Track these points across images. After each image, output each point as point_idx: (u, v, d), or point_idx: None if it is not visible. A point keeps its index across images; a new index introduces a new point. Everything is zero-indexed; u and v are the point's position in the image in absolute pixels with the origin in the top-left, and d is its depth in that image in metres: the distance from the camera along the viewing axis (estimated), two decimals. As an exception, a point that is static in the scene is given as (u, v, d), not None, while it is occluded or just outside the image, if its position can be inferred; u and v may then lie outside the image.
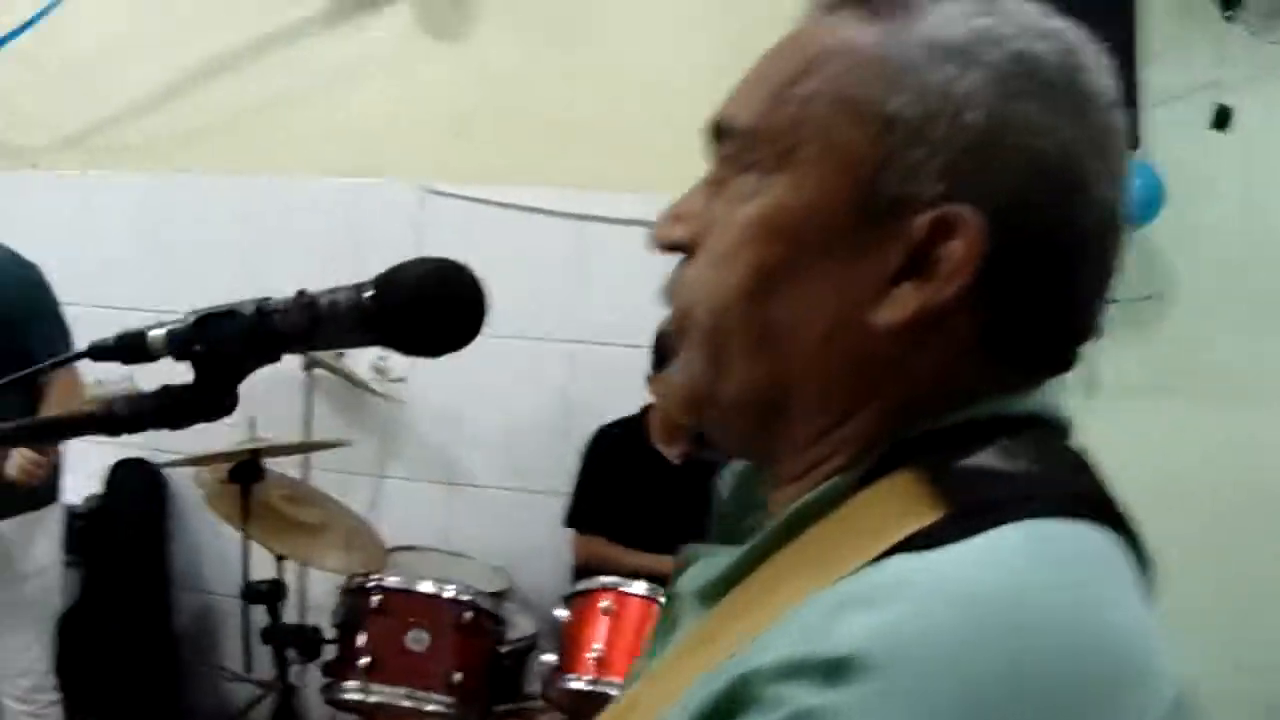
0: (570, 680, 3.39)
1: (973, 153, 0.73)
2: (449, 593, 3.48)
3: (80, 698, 4.06)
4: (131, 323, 1.00)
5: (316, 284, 0.93)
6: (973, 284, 0.73)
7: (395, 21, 4.59)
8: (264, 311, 0.98)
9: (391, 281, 0.95)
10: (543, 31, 4.55)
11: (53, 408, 3.28)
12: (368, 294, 0.93)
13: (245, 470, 3.55)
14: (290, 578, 4.17)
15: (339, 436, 4.31)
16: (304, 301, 0.97)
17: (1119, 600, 0.67)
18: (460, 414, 4.63)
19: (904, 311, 0.74)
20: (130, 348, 1.01)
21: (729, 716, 0.63)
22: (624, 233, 4.34)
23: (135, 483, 4.53)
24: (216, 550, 4.45)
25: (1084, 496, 0.72)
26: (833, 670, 0.59)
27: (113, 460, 4.55)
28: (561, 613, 3.61)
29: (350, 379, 4.36)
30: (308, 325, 0.97)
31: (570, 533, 4.15)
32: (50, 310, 3.57)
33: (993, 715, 0.59)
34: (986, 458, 0.72)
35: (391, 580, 3.50)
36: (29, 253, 3.65)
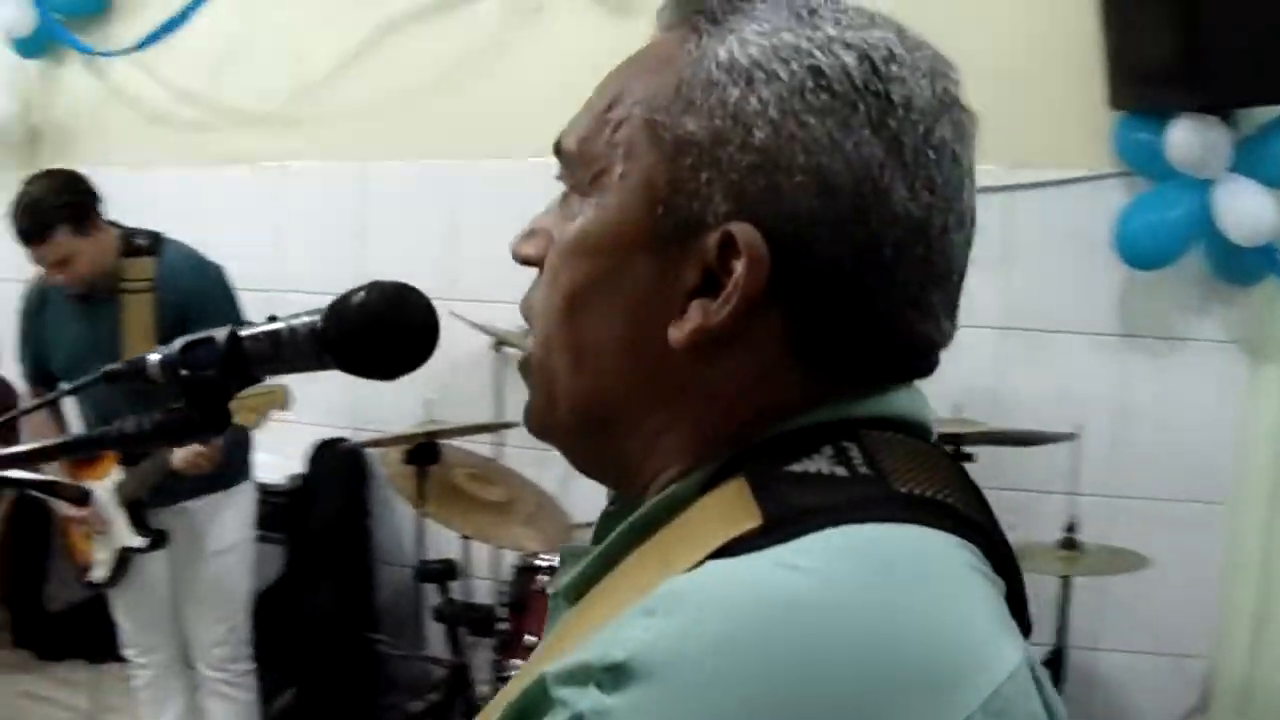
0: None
1: (759, 171, 0.74)
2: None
3: (281, 671, 4.20)
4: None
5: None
6: (765, 300, 0.75)
7: (575, 2, 4.57)
8: (236, 338, 1.04)
9: (338, 310, 0.98)
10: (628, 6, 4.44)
11: None
12: (319, 322, 0.97)
13: (422, 452, 3.63)
14: (483, 556, 4.23)
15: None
16: (269, 330, 1.03)
17: (929, 604, 0.67)
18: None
19: (694, 326, 0.76)
20: (136, 373, 1.09)
21: (530, 718, 0.64)
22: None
23: (336, 462, 4.66)
24: (410, 528, 4.52)
25: (917, 500, 0.72)
26: (611, 675, 0.61)
27: (314, 441, 4.67)
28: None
29: None
30: (271, 351, 1.04)
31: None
32: (228, 311, 3.66)
33: (764, 716, 0.59)
34: (815, 463, 0.74)
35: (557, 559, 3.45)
36: (231, 244, 3.77)
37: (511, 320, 4.29)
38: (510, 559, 4.03)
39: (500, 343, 4.34)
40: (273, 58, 4.96)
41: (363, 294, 0.97)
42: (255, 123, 5.05)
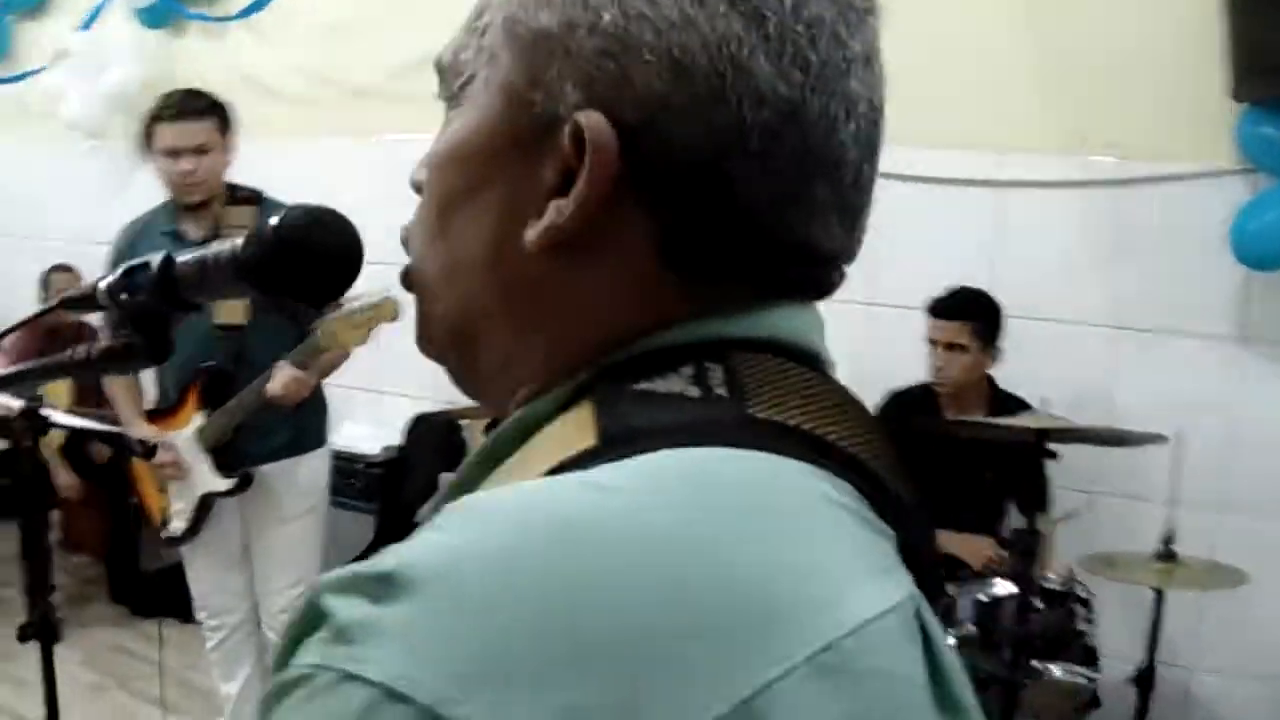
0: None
1: (607, 56, 0.69)
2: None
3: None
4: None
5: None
6: (623, 197, 0.69)
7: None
8: (169, 261, 1.03)
9: (256, 233, 0.96)
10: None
11: None
12: (239, 246, 0.96)
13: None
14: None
15: None
16: (197, 255, 1.01)
17: (751, 538, 0.59)
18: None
19: (544, 226, 0.70)
20: (87, 299, 1.10)
21: (311, 625, 0.57)
22: (928, 192, 4.17)
23: (432, 435, 4.66)
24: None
25: (776, 426, 0.66)
26: (380, 585, 0.54)
27: (412, 413, 4.69)
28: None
29: None
30: (198, 275, 1.02)
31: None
32: None
33: (535, 643, 0.52)
34: (669, 383, 0.68)
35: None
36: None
37: None
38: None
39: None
40: (384, 31, 5.02)
41: (278, 217, 0.94)
42: (367, 96, 5.12)
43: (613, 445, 0.63)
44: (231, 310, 3.58)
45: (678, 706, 0.52)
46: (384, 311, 3.41)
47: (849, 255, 0.76)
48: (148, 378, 3.98)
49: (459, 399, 3.31)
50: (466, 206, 0.76)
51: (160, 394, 3.84)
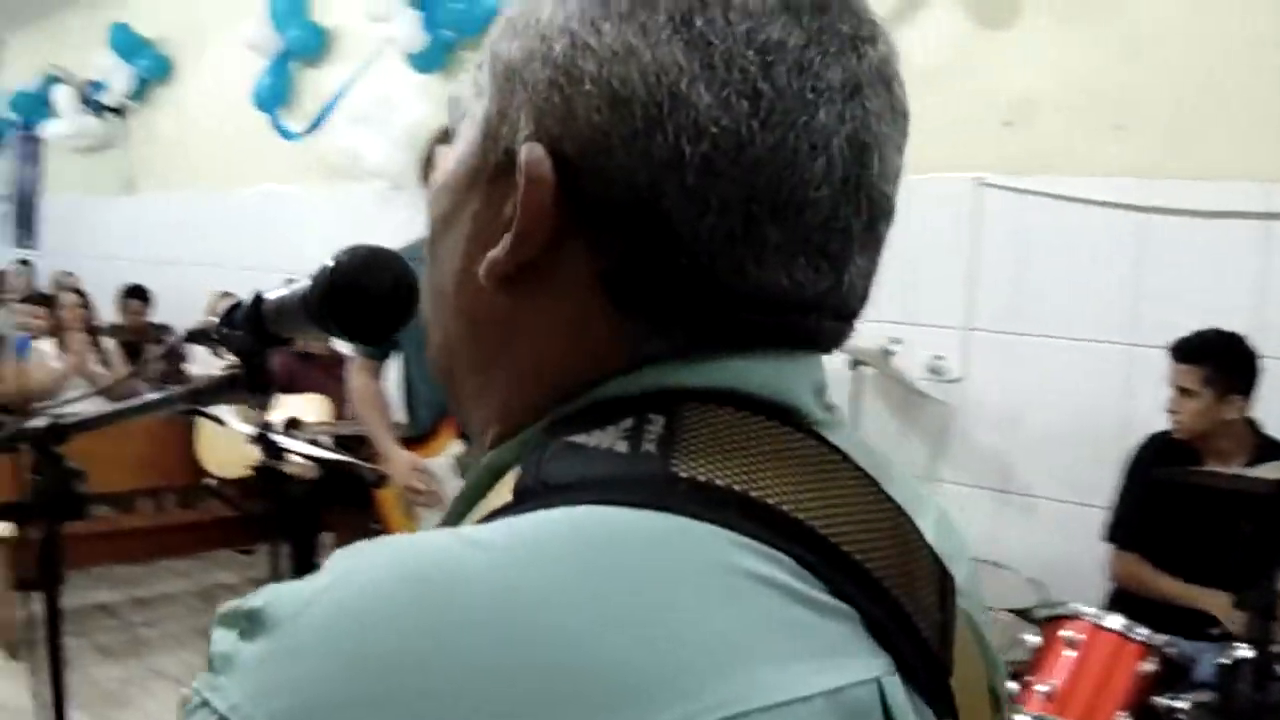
0: (1017, 713, 3.14)
1: (554, 87, 0.67)
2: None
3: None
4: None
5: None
6: (565, 230, 0.67)
7: (946, 15, 4.47)
8: (259, 300, 1.16)
9: (316, 275, 1.04)
10: (1094, 15, 4.29)
11: None
12: (309, 285, 1.05)
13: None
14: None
15: (889, 435, 4.45)
16: (278, 294, 1.12)
17: (621, 608, 0.55)
18: (1015, 419, 4.51)
19: (495, 256, 0.69)
20: (203, 333, 1.26)
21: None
22: (1188, 224, 3.99)
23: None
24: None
25: (699, 487, 0.61)
26: (247, 621, 0.57)
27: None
28: (1032, 638, 3.35)
29: (896, 377, 4.38)
30: (277, 313, 1.13)
31: (1110, 548, 3.88)
32: None
33: (373, 688, 0.52)
34: (602, 436, 0.65)
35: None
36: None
37: (871, 337, 4.32)
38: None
39: (857, 362, 4.35)
40: None
41: (335, 259, 1.00)
42: None
43: (520, 500, 0.62)
44: None
45: None
46: None
47: (842, 303, 0.71)
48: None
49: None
50: (444, 237, 0.75)
51: (411, 421, 3.97)
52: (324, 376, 5.90)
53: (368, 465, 3.82)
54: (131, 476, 5.83)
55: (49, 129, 10.93)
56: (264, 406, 1.23)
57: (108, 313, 8.59)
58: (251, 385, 1.20)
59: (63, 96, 10.59)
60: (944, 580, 0.70)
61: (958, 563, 0.74)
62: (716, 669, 0.55)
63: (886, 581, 0.64)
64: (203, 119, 9.05)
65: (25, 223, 12.76)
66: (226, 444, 5.07)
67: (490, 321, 0.72)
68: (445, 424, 3.81)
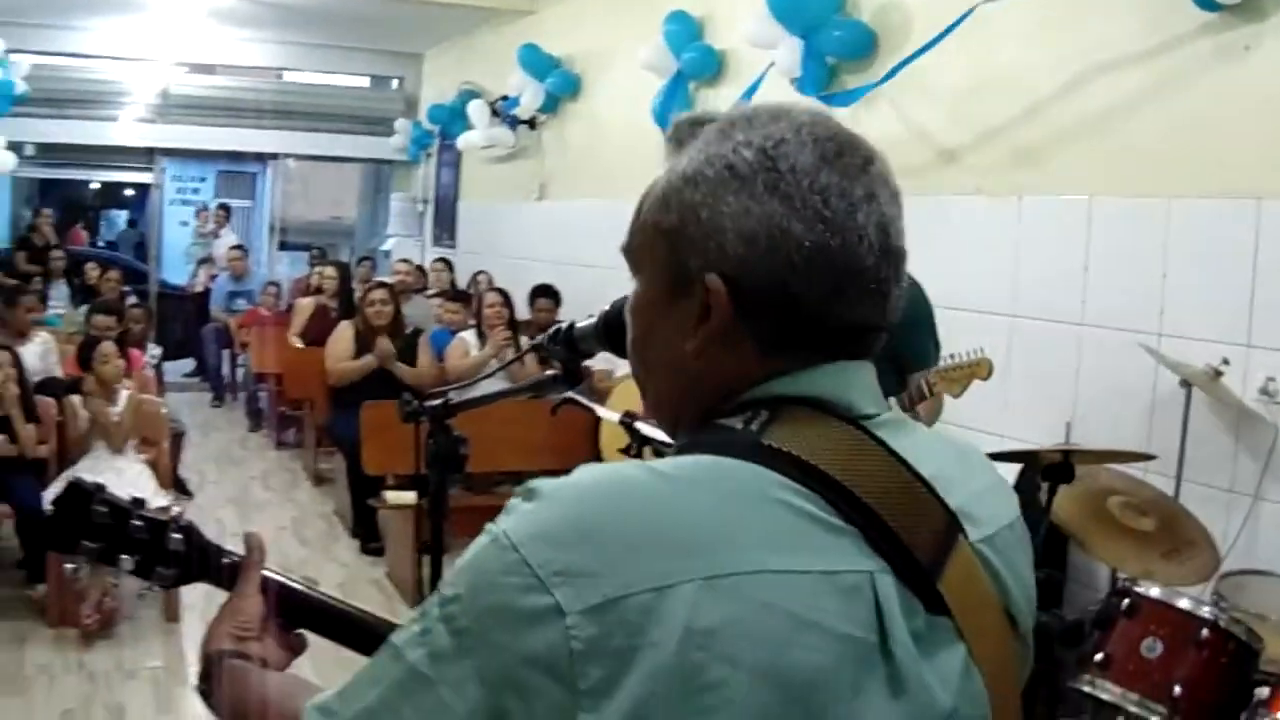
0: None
1: (709, 238, 1.12)
2: (1202, 610, 3.46)
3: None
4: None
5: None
6: (734, 315, 1.12)
7: None
8: (571, 326, 1.83)
9: (601, 315, 1.71)
10: None
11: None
12: (596, 320, 1.73)
13: (1055, 471, 3.91)
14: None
15: (1216, 453, 4.50)
16: (585, 321, 1.77)
17: (690, 504, 1.02)
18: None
19: (697, 342, 1.15)
20: (537, 346, 2.07)
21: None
22: None
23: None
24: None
25: (766, 449, 1.07)
26: (526, 491, 1.04)
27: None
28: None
29: (1224, 398, 4.44)
30: (581, 337, 1.80)
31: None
32: (923, 321, 4.16)
33: (566, 529, 1.00)
34: (731, 421, 1.13)
35: (1151, 591, 3.56)
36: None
37: (1201, 357, 4.50)
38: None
39: (1186, 381, 4.46)
40: (1004, 95, 5.38)
41: (610, 304, 1.57)
42: (989, 155, 5.51)
43: (680, 451, 1.13)
44: None
45: (623, 581, 0.96)
46: (978, 369, 3.84)
47: (883, 324, 1.17)
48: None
49: (1047, 440, 3.60)
50: (651, 337, 1.22)
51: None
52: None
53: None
54: (538, 458, 6.38)
55: (464, 139, 11.79)
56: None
57: (519, 310, 9.18)
58: (568, 382, 1.93)
59: (476, 110, 11.43)
60: (950, 525, 1.11)
61: (986, 521, 1.17)
62: (748, 545, 1.00)
63: (884, 515, 1.06)
64: (608, 132, 9.62)
65: (445, 224, 13.76)
66: (610, 431, 5.60)
67: (693, 375, 1.17)
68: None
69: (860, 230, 1.11)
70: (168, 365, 11.82)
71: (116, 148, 14.55)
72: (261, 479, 9.89)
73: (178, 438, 8.73)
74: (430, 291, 11.46)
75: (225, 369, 13.51)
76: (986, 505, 1.19)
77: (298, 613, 1.53)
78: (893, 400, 3.89)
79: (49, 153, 14.54)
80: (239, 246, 14.18)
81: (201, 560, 1.55)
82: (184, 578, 1.55)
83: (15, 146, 11.36)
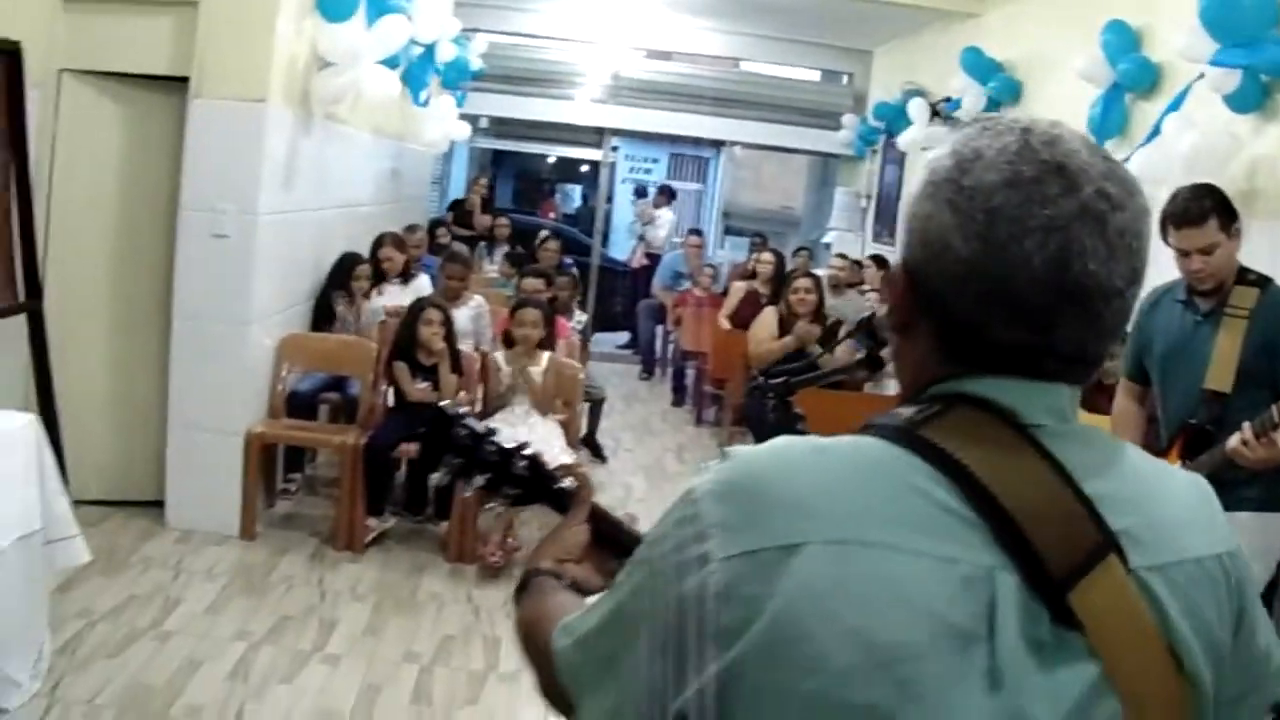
0: None
1: (910, 234, 1.25)
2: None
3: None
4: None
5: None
6: (914, 306, 1.25)
7: None
8: (872, 316, 2.32)
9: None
10: None
11: None
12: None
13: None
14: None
15: None
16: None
17: (833, 476, 1.15)
18: None
19: (891, 321, 1.31)
20: (848, 334, 2.55)
21: None
22: None
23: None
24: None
25: (919, 439, 1.17)
26: (723, 455, 1.21)
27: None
28: None
29: None
30: (873, 325, 2.23)
31: None
32: None
33: (737, 488, 1.16)
34: (907, 410, 1.22)
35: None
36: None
37: None
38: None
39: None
40: None
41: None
42: None
43: (860, 432, 1.21)
44: (1220, 379, 4.21)
45: (760, 536, 1.10)
46: None
47: (1054, 352, 1.19)
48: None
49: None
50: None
51: (1155, 438, 4.45)
52: (1104, 399, 6.33)
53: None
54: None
55: (906, 137, 11.87)
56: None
57: None
58: (870, 368, 2.13)
59: (916, 108, 11.49)
60: (1102, 543, 1.12)
61: (1161, 549, 1.17)
62: (873, 520, 1.10)
63: (1020, 518, 1.10)
64: None
65: (886, 220, 13.79)
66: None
67: (898, 351, 1.33)
68: (1175, 445, 4.25)
69: (1025, 258, 1.14)
70: (604, 336, 12.45)
71: (567, 125, 15.46)
72: (676, 451, 10.39)
73: (598, 404, 9.31)
74: (866, 288, 11.63)
75: (657, 345, 14.16)
76: (1170, 535, 1.18)
77: (617, 544, 1.76)
78: (1246, 424, 3.89)
79: (502, 126, 15.80)
80: (696, 231, 14.81)
81: (541, 485, 1.89)
82: (525, 498, 1.89)
83: (471, 119, 12.16)
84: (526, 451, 1.89)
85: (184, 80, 6.51)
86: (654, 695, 1.14)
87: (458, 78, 11.48)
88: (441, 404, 1.90)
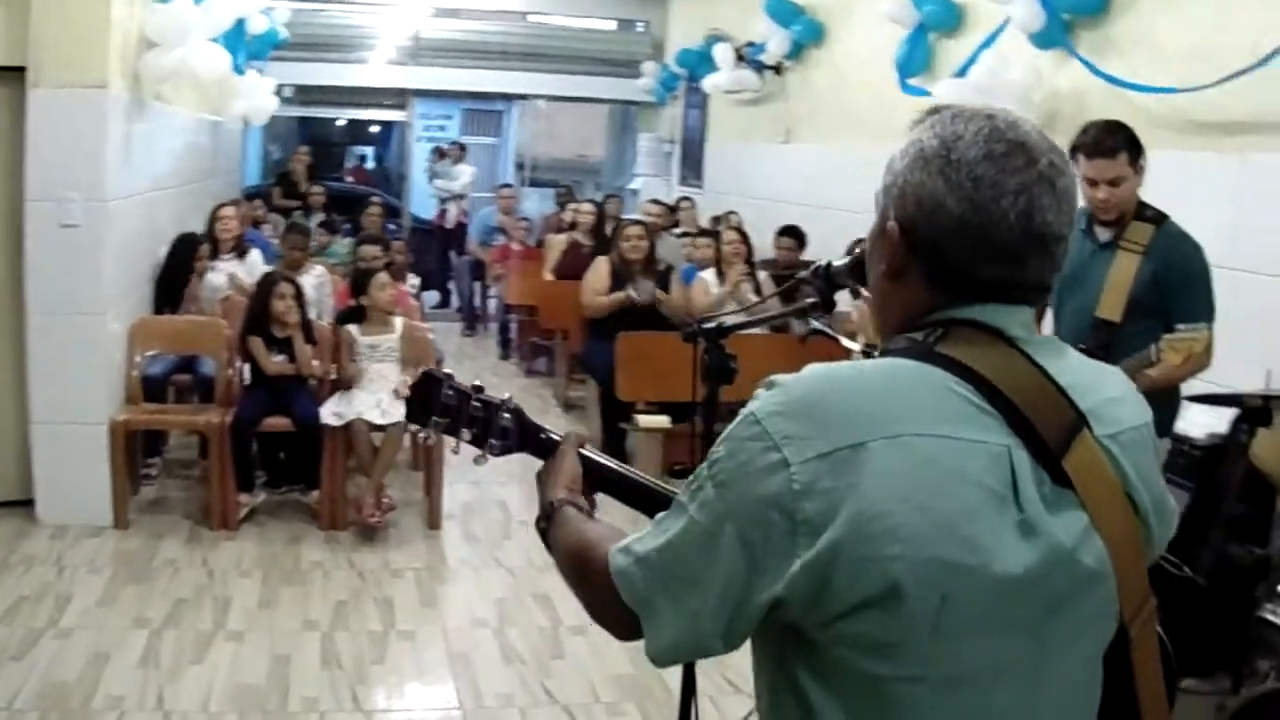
0: None
1: (901, 197, 1.49)
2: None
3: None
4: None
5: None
6: (907, 255, 1.49)
7: None
8: (829, 265, 2.26)
9: (853, 253, 2.09)
10: None
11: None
12: (851, 259, 2.14)
13: (1253, 415, 4.24)
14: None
15: None
16: (840, 260, 2.21)
17: (875, 386, 1.39)
18: None
19: (883, 269, 1.54)
20: (802, 280, 2.50)
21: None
22: None
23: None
24: None
25: (935, 353, 1.43)
26: (770, 383, 1.42)
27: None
28: None
29: None
30: (839, 273, 2.23)
31: None
32: (1196, 282, 4.41)
33: (791, 407, 1.37)
34: (913, 335, 1.49)
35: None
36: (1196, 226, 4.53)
37: None
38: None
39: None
40: (1235, 57, 5.45)
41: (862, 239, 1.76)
42: (1219, 116, 5.64)
43: (881, 354, 1.49)
44: (1112, 307, 4.45)
45: (831, 440, 1.32)
46: (1197, 343, 3.98)
47: (1023, 283, 1.46)
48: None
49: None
50: (871, 268, 1.59)
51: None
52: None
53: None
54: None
55: (710, 81, 12.16)
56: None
57: (765, 249, 9.67)
58: (824, 309, 2.32)
59: (722, 54, 11.81)
60: (1077, 420, 1.42)
61: (1112, 422, 1.48)
62: (921, 417, 1.35)
63: (1021, 406, 1.39)
64: (852, 80, 9.85)
65: (691, 164, 14.17)
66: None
67: (886, 294, 1.55)
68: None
69: (1002, 214, 1.42)
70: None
71: (367, 89, 15.54)
72: (512, 401, 10.53)
73: (438, 364, 9.41)
74: (678, 230, 11.90)
75: (476, 301, 14.33)
76: (1114, 410, 1.50)
77: (602, 479, 1.99)
78: (1124, 360, 3.98)
79: (305, 94, 15.68)
80: (508, 185, 15.03)
81: (524, 435, 2.09)
82: (510, 448, 2.07)
83: (275, 89, 12.10)
84: (509, 406, 2.08)
85: (20, 70, 6.47)
86: (739, 588, 1.37)
87: (265, 48, 11.43)
88: (429, 369, 2.12)
